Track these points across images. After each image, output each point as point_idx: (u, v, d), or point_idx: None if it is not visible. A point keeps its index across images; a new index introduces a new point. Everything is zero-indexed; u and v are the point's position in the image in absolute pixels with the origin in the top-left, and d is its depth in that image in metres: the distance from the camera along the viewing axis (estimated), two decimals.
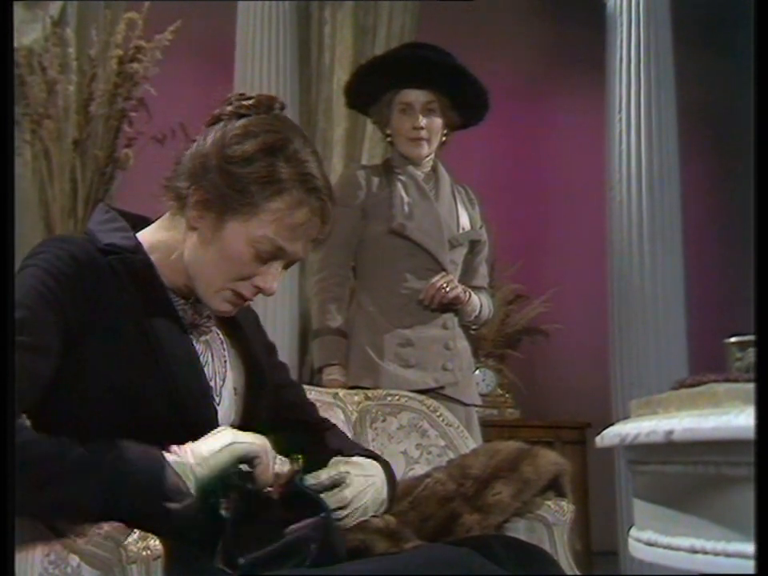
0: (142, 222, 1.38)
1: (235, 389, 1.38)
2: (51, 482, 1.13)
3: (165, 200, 1.34)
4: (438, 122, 2.49)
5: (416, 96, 2.48)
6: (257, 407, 1.39)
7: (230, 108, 1.32)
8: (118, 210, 1.40)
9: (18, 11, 3.19)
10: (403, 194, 2.50)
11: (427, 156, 2.54)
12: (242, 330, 1.43)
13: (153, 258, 1.32)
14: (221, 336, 1.40)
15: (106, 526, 1.16)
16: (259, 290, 1.31)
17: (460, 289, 2.47)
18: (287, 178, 1.26)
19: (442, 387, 2.43)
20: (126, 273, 1.27)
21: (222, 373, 1.36)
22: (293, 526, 1.22)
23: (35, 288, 1.21)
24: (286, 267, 1.33)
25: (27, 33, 3.21)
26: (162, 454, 1.19)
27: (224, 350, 1.39)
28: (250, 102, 1.32)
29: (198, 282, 1.30)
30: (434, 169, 2.58)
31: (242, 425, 1.35)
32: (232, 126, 1.29)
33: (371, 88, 2.55)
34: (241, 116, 1.31)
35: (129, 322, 1.25)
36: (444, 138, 2.55)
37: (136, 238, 1.33)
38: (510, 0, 4.54)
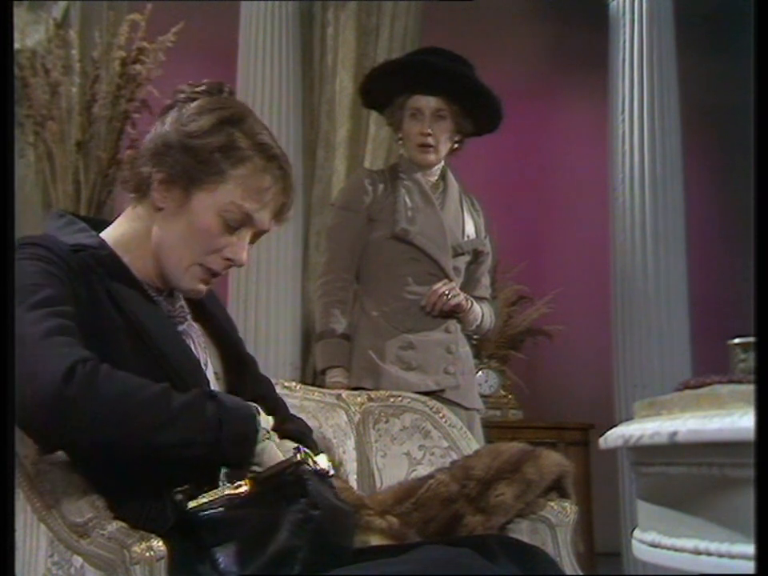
0: (100, 224, 1.41)
1: (216, 374, 1.40)
2: (164, 425, 1.15)
3: (127, 193, 1.36)
4: (447, 128, 2.49)
5: (426, 102, 2.48)
6: (239, 391, 1.40)
7: (182, 95, 1.36)
8: (72, 213, 1.43)
9: (22, 13, 3.20)
10: (407, 199, 2.50)
11: (435, 163, 2.54)
12: (214, 316, 1.45)
13: (118, 252, 1.33)
14: (195, 324, 1.41)
15: (110, 527, 1.16)
16: (230, 263, 1.34)
17: (462, 297, 2.47)
18: (246, 147, 1.30)
19: (442, 390, 2.42)
20: (98, 267, 1.29)
21: (204, 359, 1.38)
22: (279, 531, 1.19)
23: (41, 272, 1.23)
24: (252, 240, 1.35)
25: (30, 35, 3.21)
26: (255, 407, 1.24)
27: (201, 336, 1.41)
28: (201, 87, 1.37)
29: (168, 262, 1.32)
30: (443, 176, 2.58)
31: None
32: (187, 108, 1.33)
33: (384, 91, 2.56)
34: (194, 100, 1.35)
35: (112, 313, 1.27)
36: (456, 146, 2.55)
37: (99, 236, 1.35)
38: (512, 1, 4.54)
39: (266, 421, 1.27)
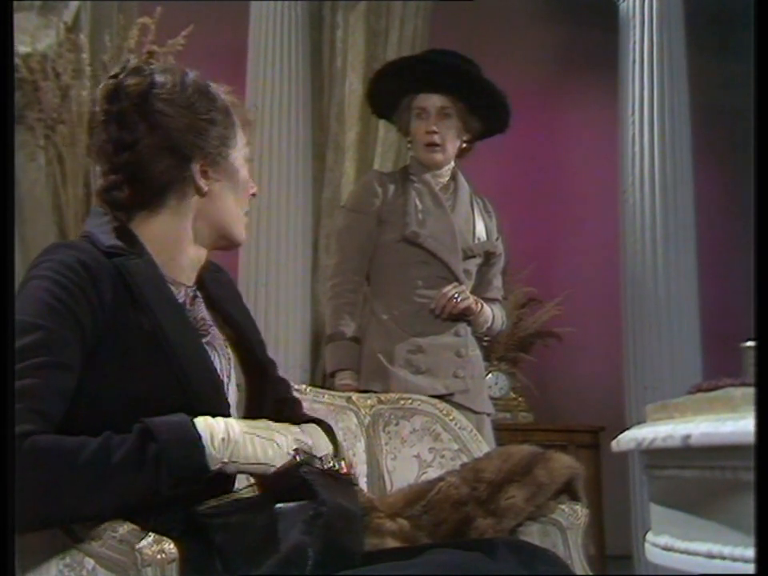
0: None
1: (238, 385, 1.39)
2: (97, 490, 1.13)
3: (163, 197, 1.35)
4: (453, 126, 2.48)
5: (431, 101, 2.47)
6: (260, 403, 1.39)
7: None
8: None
9: (32, 17, 3.22)
10: (417, 201, 2.49)
11: (444, 163, 2.52)
12: (240, 327, 1.43)
13: (153, 251, 1.33)
14: (220, 335, 1.40)
15: (121, 529, 1.16)
16: (253, 197, 1.45)
17: (471, 299, 2.46)
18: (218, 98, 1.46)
19: (452, 394, 2.41)
20: (131, 274, 1.28)
21: (227, 371, 1.37)
22: (289, 532, 1.18)
23: (47, 303, 1.20)
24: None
25: (41, 39, 3.23)
26: (191, 427, 1.20)
27: (226, 347, 1.40)
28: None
29: (232, 225, 1.39)
30: (454, 177, 2.57)
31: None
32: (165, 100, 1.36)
33: (388, 93, 2.55)
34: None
35: (138, 326, 1.25)
36: (464, 145, 2.54)
37: (136, 236, 1.33)
38: (522, 2, 4.53)
39: (223, 431, 1.21)
